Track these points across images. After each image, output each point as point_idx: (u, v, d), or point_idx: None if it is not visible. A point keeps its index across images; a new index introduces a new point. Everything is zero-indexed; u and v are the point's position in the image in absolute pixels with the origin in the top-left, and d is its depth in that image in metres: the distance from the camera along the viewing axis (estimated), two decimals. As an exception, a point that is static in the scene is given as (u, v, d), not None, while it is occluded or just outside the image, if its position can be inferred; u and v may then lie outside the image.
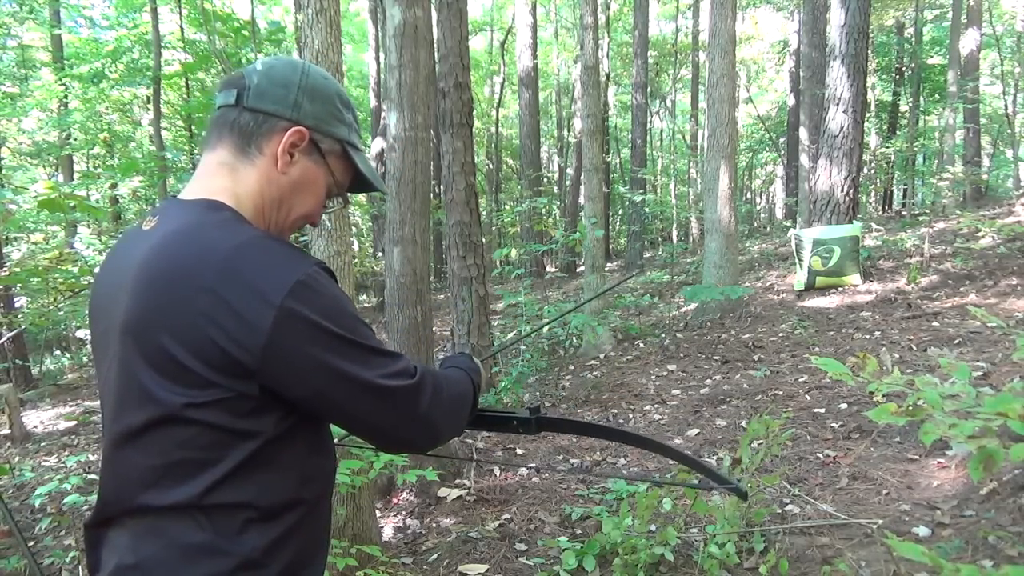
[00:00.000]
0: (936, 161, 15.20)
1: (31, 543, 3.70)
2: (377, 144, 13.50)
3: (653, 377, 5.98)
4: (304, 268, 0.87)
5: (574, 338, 7.28)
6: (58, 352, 13.90)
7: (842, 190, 8.45)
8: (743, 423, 4.35)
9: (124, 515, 0.90)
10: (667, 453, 1.39)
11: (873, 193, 16.45)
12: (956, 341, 5.15)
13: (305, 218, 1.05)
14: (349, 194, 1.16)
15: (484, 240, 6.35)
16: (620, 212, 22.17)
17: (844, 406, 4.28)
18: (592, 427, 1.46)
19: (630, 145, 17.79)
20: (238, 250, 0.86)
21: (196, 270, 0.84)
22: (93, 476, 3.63)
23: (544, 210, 13.37)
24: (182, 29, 12.11)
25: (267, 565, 0.88)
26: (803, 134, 13.83)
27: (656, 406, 5.16)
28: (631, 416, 5.03)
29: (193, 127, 12.53)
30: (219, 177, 0.98)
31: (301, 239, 5.27)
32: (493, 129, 21.17)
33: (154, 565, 0.86)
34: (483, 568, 2.98)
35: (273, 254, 0.87)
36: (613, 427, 1.38)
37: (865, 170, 13.11)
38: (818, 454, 3.61)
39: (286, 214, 1.02)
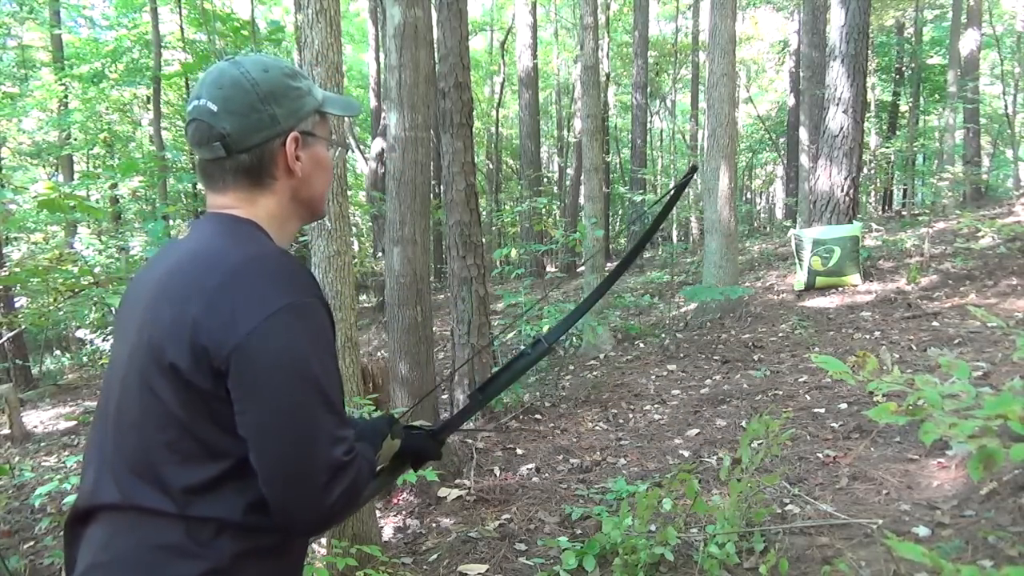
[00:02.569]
0: (936, 161, 15.19)
1: (31, 543, 3.70)
2: (377, 144, 13.49)
3: (653, 377, 5.98)
4: (304, 295, 0.89)
5: (574, 338, 7.28)
6: (58, 352, 13.90)
7: (842, 190, 8.45)
8: (743, 423, 4.35)
9: (104, 509, 0.91)
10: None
11: (873, 193, 16.44)
12: (956, 341, 5.15)
13: (328, 183, 1.11)
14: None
15: (484, 240, 6.35)
16: (620, 212, 22.16)
17: (844, 406, 4.28)
18: (586, 303, 1.53)
19: (630, 145, 17.79)
20: (247, 263, 0.90)
21: (203, 278, 0.88)
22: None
23: (544, 210, 13.36)
24: (182, 29, 12.10)
25: (234, 574, 0.89)
26: (803, 134, 13.82)
27: (656, 406, 5.16)
28: (631, 416, 5.03)
29: (193, 127, 12.49)
30: (241, 206, 1.00)
31: (301, 239, 5.27)
32: (493, 129, 21.16)
33: (125, 565, 0.87)
34: (483, 568, 2.98)
35: (278, 270, 0.90)
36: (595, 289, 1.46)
37: (865, 170, 13.10)
38: (818, 454, 3.61)
39: (319, 197, 1.09)
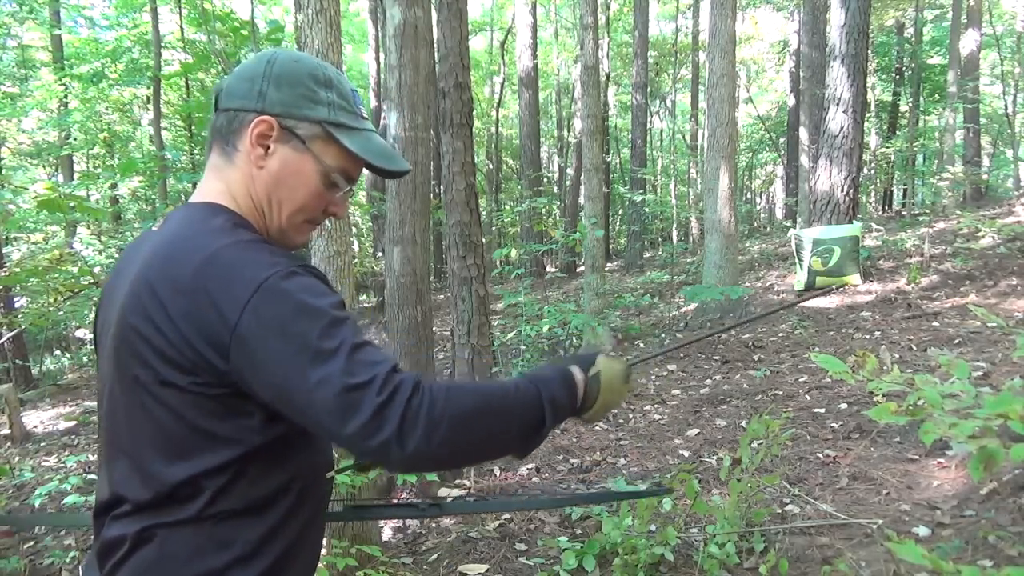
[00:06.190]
0: (936, 161, 15.20)
1: (31, 543, 3.70)
2: (377, 144, 13.45)
3: (653, 377, 5.98)
4: (272, 270, 0.85)
5: (574, 338, 7.27)
6: (58, 352, 13.89)
7: (842, 190, 8.45)
8: (743, 423, 4.35)
9: (112, 511, 0.93)
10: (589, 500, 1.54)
11: (873, 193, 16.44)
12: (956, 341, 5.15)
13: (301, 212, 1.00)
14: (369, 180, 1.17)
15: (484, 240, 6.35)
16: (620, 212, 22.15)
17: (844, 406, 4.28)
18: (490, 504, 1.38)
19: (630, 145, 17.79)
20: (217, 253, 0.87)
21: (177, 274, 0.86)
22: (93, 476, 3.63)
23: (544, 210, 13.36)
24: (182, 29, 12.10)
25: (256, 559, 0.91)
26: (803, 134, 13.82)
27: (656, 406, 5.16)
28: (631, 416, 5.03)
29: (193, 127, 12.52)
30: (212, 180, 1.00)
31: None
32: (493, 129, 21.16)
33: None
34: (483, 568, 2.98)
35: (248, 255, 0.88)
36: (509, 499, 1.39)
37: (865, 170, 13.10)
38: (818, 454, 3.61)
39: (278, 211, 0.99)
